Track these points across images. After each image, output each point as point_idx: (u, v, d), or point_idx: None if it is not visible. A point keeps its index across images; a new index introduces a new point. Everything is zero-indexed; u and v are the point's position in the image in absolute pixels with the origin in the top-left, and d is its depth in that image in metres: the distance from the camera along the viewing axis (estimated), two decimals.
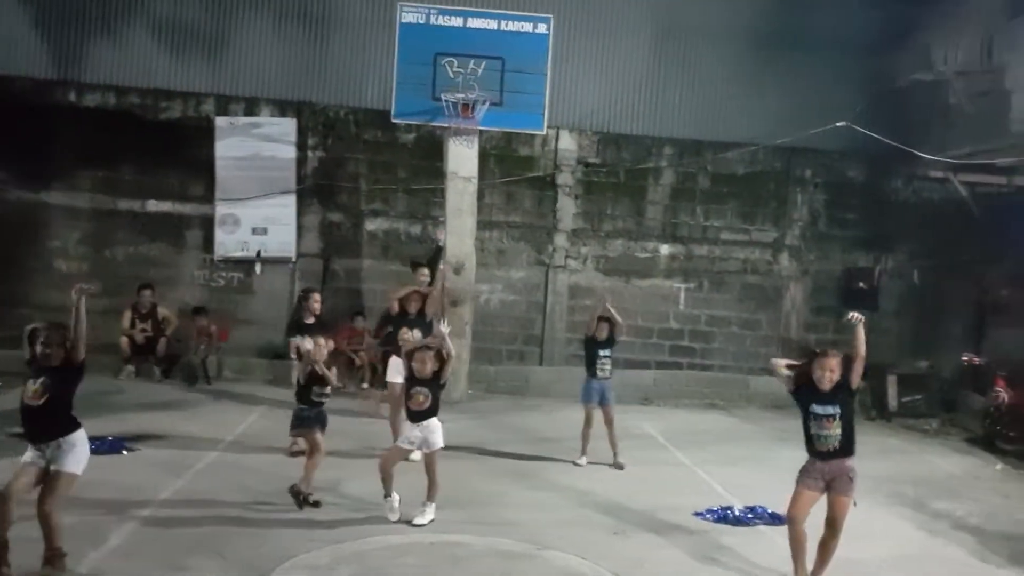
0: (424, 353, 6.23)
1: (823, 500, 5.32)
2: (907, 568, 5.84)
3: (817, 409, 5.30)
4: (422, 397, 6.15)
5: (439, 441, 6.18)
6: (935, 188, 12.63)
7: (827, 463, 5.28)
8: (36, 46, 12.19)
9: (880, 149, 11.39)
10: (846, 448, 5.29)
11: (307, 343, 6.52)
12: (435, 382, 6.22)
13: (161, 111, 12.43)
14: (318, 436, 6.44)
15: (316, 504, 6.18)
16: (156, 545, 5.35)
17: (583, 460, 8.14)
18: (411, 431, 6.18)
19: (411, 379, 6.28)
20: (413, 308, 8.02)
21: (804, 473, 5.36)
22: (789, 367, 5.56)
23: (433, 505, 6.09)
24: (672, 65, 12.95)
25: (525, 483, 7.40)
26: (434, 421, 6.18)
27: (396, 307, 8.14)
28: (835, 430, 5.27)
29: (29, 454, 4.79)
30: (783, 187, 13.34)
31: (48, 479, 4.74)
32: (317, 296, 8.56)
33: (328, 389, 6.54)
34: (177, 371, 11.26)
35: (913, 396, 11.88)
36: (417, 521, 5.99)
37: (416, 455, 6.44)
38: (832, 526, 5.27)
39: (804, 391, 5.39)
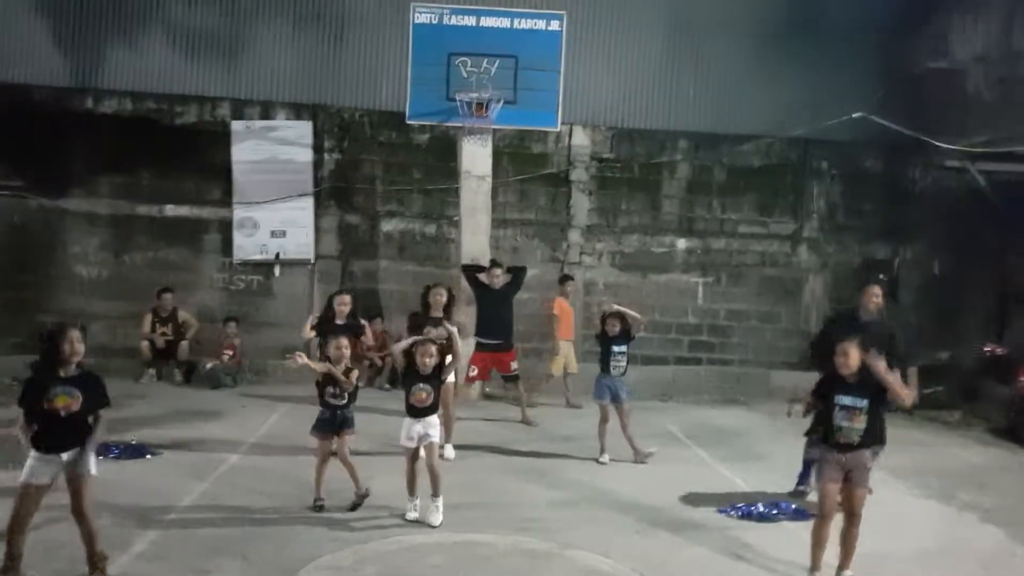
0: (427, 347, 6.21)
1: None
2: (935, 562, 5.79)
3: (844, 400, 5.24)
4: (424, 394, 6.15)
5: (437, 436, 6.22)
6: (954, 177, 12.50)
7: (846, 455, 5.24)
8: (53, 55, 12.29)
9: (897, 139, 11.28)
10: (866, 441, 5.26)
11: (300, 359, 6.18)
12: (436, 378, 6.22)
13: (177, 116, 12.51)
14: (328, 442, 6.31)
15: (365, 495, 6.24)
16: (181, 548, 5.40)
17: (605, 457, 8.12)
18: (412, 427, 6.14)
19: (414, 375, 6.23)
20: (438, 310, 8.01)
21: (825, 465, 5.33)
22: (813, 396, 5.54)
23: (440, 499, 6.10)
24: (685, 58, 12.88)
25: (545, 481, 7.40)
26: (434, 417, 6.19)
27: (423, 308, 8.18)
28: (860, 423, 5.23)
29: (39, 467, 4.72)
30: (800, 179, 13.25)
31: (72, 486, 4.77)
32: (345, 298, 8.54)
33: (339, 390, 6.33)
34: (199, 375, 11.33)
35: (934, 388, 11.75)
36: (433, 521, 6.00)
37: (450, 452, 6.45)
38: (852, 516, 5.25)
39: (829, 381, 5.34)
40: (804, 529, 6.28)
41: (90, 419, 4.84)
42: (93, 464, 4.84)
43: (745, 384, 12.35)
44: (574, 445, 8.58)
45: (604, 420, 8.16)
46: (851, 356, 5.25)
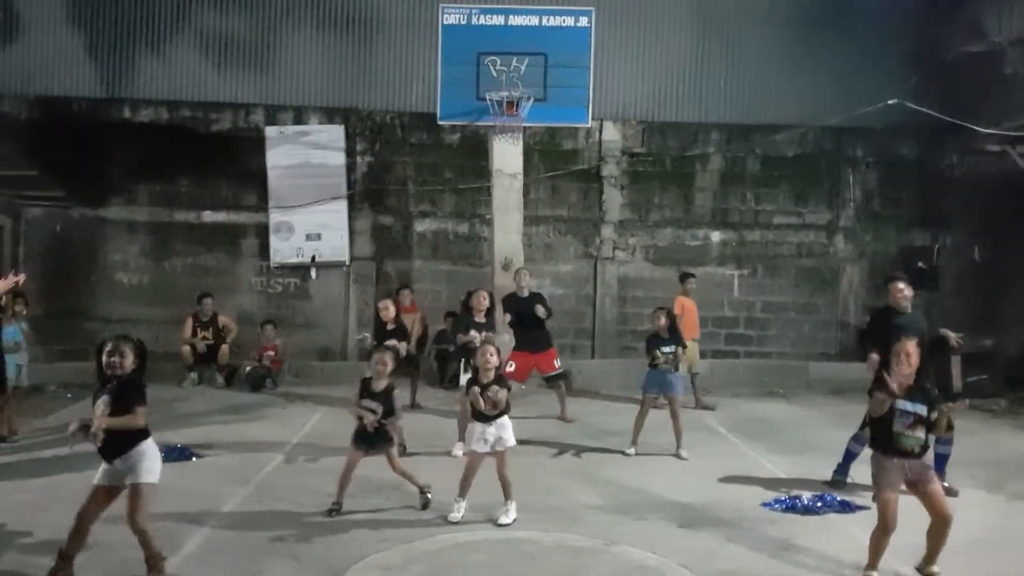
0: (486, 354, 6.18)
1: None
2: (984, 552, 5.69)
3: (906, 406, 4.93)
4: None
5: (512, 439, 6.16)
6: (992, 162, 12.28)
7: (909, 462, 4.97)
8: (90, 67, 12.57)
9: (933, 125, 11.11)
10: (926, 450, 5.03)
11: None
12: (500, 379, 6.17)
13: (212, 123, 12.72)
14: (360, 455, 6.20)
15: (427, 489, 6.26)
16: (230, 549, 5.48)
17: (632, 450, 8.13)
18: (485, 430, 6.09)
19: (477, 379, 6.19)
20: (480, 314, 8.06)
21: (884, 473, 4.99)
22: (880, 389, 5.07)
23: (514, 503, 6.08)
24: (715, 49, 12.81)
25: (587, 477, 7.40)
26: (506, 418, 6.16)
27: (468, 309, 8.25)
28: (921, 432, 4.96)
29: (100, 474, 4.85)
30: (835, 168, 13.11)
31: (129, 493, 4.84)
32: (384, 303, 8.63)
33: (365, 406, 6.17)
34: (240, 378, 11.50)
35: (978, 376, 11.54)
36: (502, 521, 6.00)
37: (458, 450, 6.38)
38: (941, 515, 4.98)
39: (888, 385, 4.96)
40: (851, 522, 6.26)
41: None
42: (150, 471, 4.85)
43: (783, 376, 12.24)
44: (615, 440, 8.58)
45: (642, 414, 8.16)
46: (912, 356, 4.95)
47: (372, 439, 6.22)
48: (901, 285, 7.18)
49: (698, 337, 10.86)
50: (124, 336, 5.04)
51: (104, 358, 4.84)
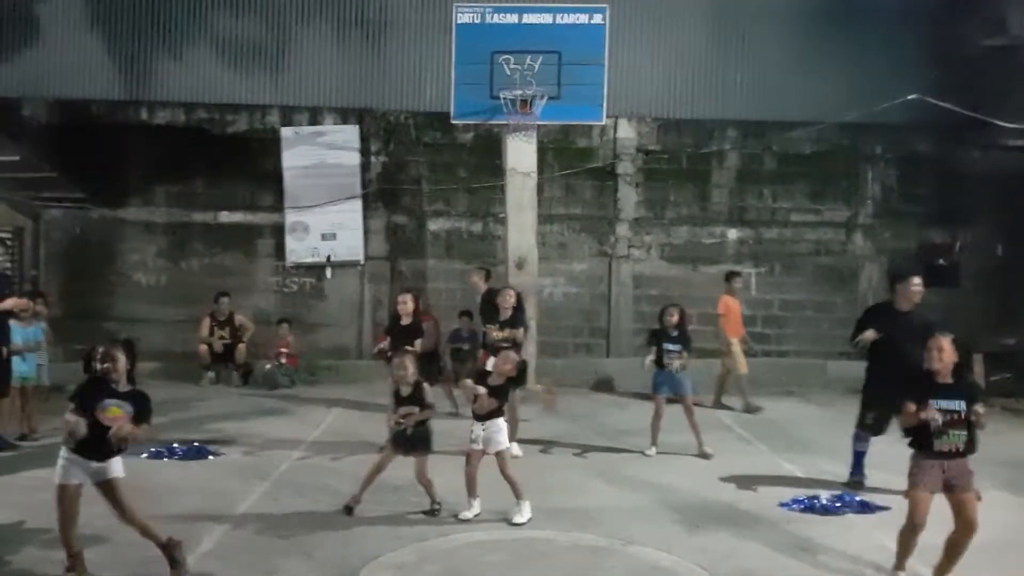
0: (508, 353, 6.25)
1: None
2: (1006, 554, 5.60)
3: (942, 403, 4.76)
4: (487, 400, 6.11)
5: (505, 442, 6.17)
6: (1014, 157, 12.11)
7: (947, 462, 4.79)
8: (108, 70, 12.68)
9: (953, 120, 10.97)
10: (969, 448, 4.81)
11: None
12: (513, 383, 6.22)
13: (228, 124, 12.79)
14: (391, 456, 6.20)
15: (438, 507, 6.20)
16: (247, 547, 5.50)
17: (652, 451, 8.09)
18: (476, 430, 6.13)
19: (484, 377, 6.26)
20: (505, 308, 8.04)
21: (921, 473, 4.84)
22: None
23: (526, 503, 6.06)
24: (731, 46, 12.72)
25: (603, 476, 7.37)
26: (500, 421, 6.16)
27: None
28: (961, 428, 4.75)
29: (70, 472, 4.80)
30: (853, 164, 12.99)
31: (106, 495, 4.85)
32: (403, 297, 8.51)
33: (402, 414, 6.12)
34: (257, 377, 11.55)
35: (1002, 374, 11.41)
36: (516, 520, 5.99)
37: (517, 450, 6.42)
38: (966, 525, 4.80)
39: (923, 382, 4.86)
40: (870, 523, 6.19)
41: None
42: (119, 467, 4.91)
43: (801, 375, 12.14)
44: (631, 440, 8.54)
45: (658, 415, 8.12)
46: (946, 352, 4.80)
47: (412, 442, 6.19)
48: (918, 280, 6.98)
49: (743, 336, 10.65)
50: (113, 340, 5.14)
51: (98, 366, 4.89)
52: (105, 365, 4.85)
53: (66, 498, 4.83)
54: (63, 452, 4.84)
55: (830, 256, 13.01)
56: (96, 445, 4.80)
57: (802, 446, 8.57)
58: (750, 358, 12.43)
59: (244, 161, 12.67)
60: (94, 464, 4.83)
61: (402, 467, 6.34)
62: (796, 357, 12.70)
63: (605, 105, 10.95)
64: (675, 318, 8.12)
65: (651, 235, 13.02)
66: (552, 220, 12.75)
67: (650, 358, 8.14)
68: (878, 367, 7.05)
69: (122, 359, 4.89)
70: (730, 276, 10.83)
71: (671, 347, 8.08)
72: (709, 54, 12.74)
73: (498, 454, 6.10)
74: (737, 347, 10.39)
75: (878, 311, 7.34)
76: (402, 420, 6.14)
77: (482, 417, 6.14)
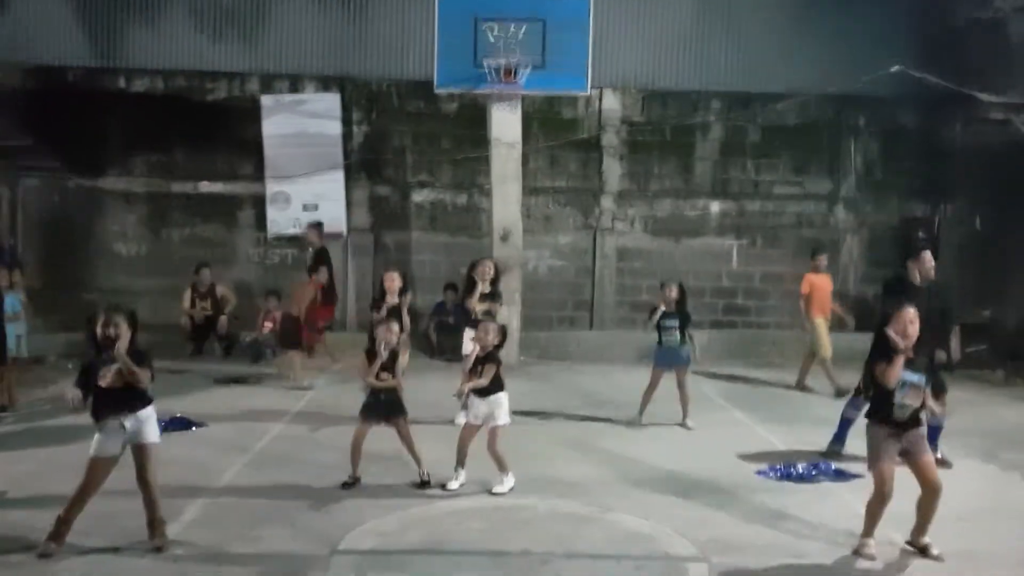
0: (488, 324, 6.22)
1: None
2: (978, 521, 5.74)
3: (911, 377, 4.95)
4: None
5: (505, 417, 6.16)
6: (996, 131, 12.14)
7: (905, 433, 5.00)
8: (84, 35, 12.44)
9: (936, 93, 11.00)
10: (921, 419, 5.06)
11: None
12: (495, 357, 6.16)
13: (208, 92, 12.60)
14: (368, 427, 6.17)
15: (427, 482, 6.17)
16: (230, 516, 5.53)
17: (639, 419, 8.18)
18: (477, 406, 6.13)
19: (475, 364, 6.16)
20: (486, 280, 8.02)
21: (883, 444, 5.01)
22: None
23: (510, 474, 6.09)
24: (716, 16, 12.65)
25: (584, 446, 7.44)
26: (502, 395, 6.14)
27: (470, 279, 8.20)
28: (918, 402, 4.99)
29: (103, 444, 4.88)
30: (836, 137, 13.01)
31: (137, 455, 4.95)
32: (390, 275, 8.46)
33: (376, 377, 6.14)
34: (239, 348, 11.50)
35: (977, 346, 11.56)
36: (496, 489, 6.04)
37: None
38: (931, 487, 5.00)
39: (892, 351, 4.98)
40: (845, 490, 6.30)
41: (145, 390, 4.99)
42: (155, 432, 5.04)
43: (781, 347, 12.22)
44: (613, 410, 8.61)
45: (652, 387, 8.21)
46: (916, 325, 4.98)
47: (383, 410, 6.19)
48: (929, 255, 7.08)
49: (829, 317, 10.06)
50: (116, 306, 5.14)
51: (99, 330, 4.91)
52: (108, 330, 4.87)
53: (95, 470, 4.88)
54: (97, 428, 4.89)
55: (812, 229, 13.06)
56: (114, 406, 4.86)
57: (781, 416, 8.67)
58: (728, 329, 12.36)
59: (224, 130, 12.50)
60: (128, 423, 4.88)
61: (386, 439, 6.36)
62: (777, 329, 12.80)
63: (590, 75, 10.85)
64: (674, 294, 8.15)
65: (635, 208, 13.02)
66: (537, 192, 12.71)
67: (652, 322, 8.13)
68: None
69: (124, 326, 4.91)
70: (815, 253, 10.28)
71: (670, 323, 8.12)
72: (694, 25, 12.67)
73: (492, 429, 6.09)
74: (822, 328, 9.81)
75: (903, 284, 7.32)
76: (376, 382, 6.11)
77: (482, 392, 6.09)
